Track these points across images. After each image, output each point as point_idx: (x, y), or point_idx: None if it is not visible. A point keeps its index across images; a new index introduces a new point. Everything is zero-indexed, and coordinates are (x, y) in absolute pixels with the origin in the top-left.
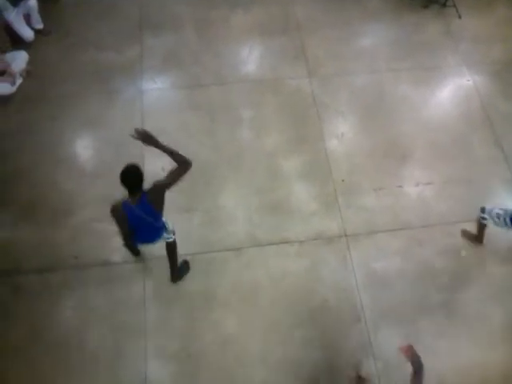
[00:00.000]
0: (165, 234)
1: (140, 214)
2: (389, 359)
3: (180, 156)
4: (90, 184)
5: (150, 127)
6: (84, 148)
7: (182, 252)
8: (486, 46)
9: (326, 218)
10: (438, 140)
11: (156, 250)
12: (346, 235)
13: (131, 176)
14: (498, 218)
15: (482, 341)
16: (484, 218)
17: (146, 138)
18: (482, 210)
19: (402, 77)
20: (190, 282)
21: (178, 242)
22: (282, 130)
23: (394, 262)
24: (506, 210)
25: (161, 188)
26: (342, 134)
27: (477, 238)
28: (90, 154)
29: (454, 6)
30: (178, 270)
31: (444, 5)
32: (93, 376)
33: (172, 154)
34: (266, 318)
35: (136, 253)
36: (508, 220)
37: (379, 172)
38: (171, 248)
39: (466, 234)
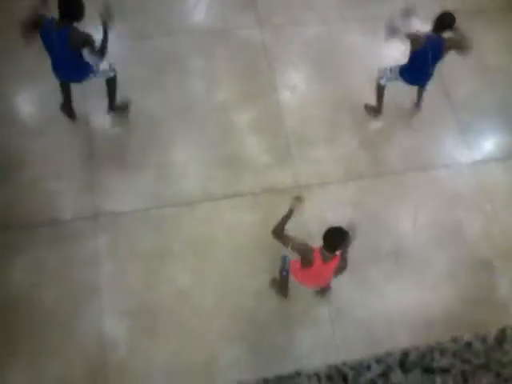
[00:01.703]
0: (94, 75)
1: (55, 40)
2: (341, 305)
3: (106, 47)
4: (34, 141)
5: (96, 84)
6: (24, 103)
7: (134, 207)
8: None
9: (278, 170)
10: (387, 90)
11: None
12: (298, 186)
13: (63, 4)
14: (391, 71)
15: (426, 284)
16: (380, 78)
17: (108, 17)
18: (379, 71)
19: (353, 27)
20: (144, 238)
21: (130, 197)
22: (232, 81)
23: (346, 211)
24: (396, 64)
25: (83, 39)
26: (294, 85)
27: (376, 107)
28: (30, 109)
29: None
30: (117, 104)
31: None
32: (48, 336)
33: (105, 39)
34: (221, 270)
35: (70, 112)
36: (397, 69)
37: (331, 124)
38: (110, 84)
39: (367, 107)
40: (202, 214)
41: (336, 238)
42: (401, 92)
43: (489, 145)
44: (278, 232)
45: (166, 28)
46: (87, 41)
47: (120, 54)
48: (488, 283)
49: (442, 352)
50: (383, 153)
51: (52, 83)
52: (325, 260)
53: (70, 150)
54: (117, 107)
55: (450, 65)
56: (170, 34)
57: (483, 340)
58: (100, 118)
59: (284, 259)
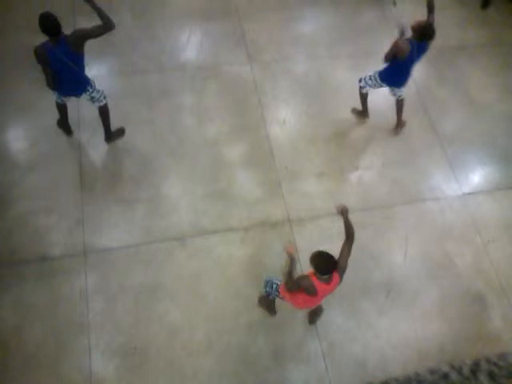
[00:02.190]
0: (91, 91)
1: (60, 55)
2: (334, 340)
3: (107, 17)
4: (25, 176)
5: (86, 116)
6: (17, 138)
7: (125, 243)
8: None
9: (269, 204)
10: (376, 125)
11: (99, 241)
12: (289, 220)
13: (47, 20)
14: (371, 79)
15: (418, 317)
16: (362, 87)
17: None
18: (359, 81)
19: (341, 63)
20: (134, 274)
21: (120, 232)
22: (223, 117)
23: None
24: (374, 71)
25: (81, 34)
26: (283, 120)
27: (363, 111)
28: (23, 144)
29: None
30: (112, 132)
31: None
32: (35, 375)
33: (100, 12)
34: (212, 306)
35: (67, 128)
36: (377, 76)
37: (321, 157)
38: (103, 112)
39: (354, 111)
40: (192, 248)
41: (327, 262)
42: (389, 127)
43: (477, 178)
44: (292, 287)
45: (158, 65)
46: (86, 33)
47: (113, 89)
48: (480, 315)
49: (420, 383)
50: (373, 186)
51: (44, 118)
52: (327, 282)
53: (61, 185)
54: (112, 135)
55: (435, 98)
56: (162, 71)
57: (459, 371)
58: (91, 153)
59: (270, 284)
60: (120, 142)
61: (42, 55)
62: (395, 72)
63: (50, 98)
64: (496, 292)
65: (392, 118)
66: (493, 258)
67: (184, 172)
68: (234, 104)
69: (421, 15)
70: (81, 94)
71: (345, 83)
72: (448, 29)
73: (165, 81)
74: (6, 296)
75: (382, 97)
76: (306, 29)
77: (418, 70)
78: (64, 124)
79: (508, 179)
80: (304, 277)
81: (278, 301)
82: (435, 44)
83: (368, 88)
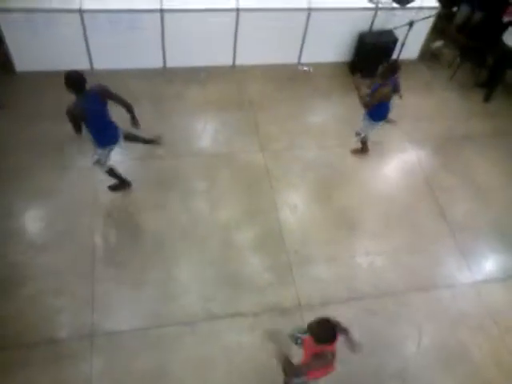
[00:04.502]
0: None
1: (92, 105)
2: None
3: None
4: (38, 256)
5: (103, 201)
6: (34, 220)
7: (133, 326)
8: (427, 123)
9: (280, 289)
10: (386, 211)
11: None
12: (300, 306)
13: (73, 79)
14: (367, 126)
15: None
16: (363, 137)
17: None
18: (358, 134)
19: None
20: (141, 358)
21: (129, 315)
22: (235, 202)
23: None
24: (364, 121)
25: (106, 90)
26: (294, 205)
27: (363, 149)
28: (40, 225)
29: None
30: (117, 185)
31: None
32: None
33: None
34: None
35: (126, 183)
36: (372, 121)
37: (331, 242)
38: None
39: (354, 151)
40: (201, 334)
41: (329, 331)
42: (399, 213)
43: (489, 265)
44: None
45: (174, 151)
46: (110, 93)
47: (129, 173)
48: None
49: None
50: (384, 272)
51: (63, 204)
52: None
53: (73, 265)
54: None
55: (443, 186)
56: (177, 157)
57: None
58: (104, 233)
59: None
60: (133, 225)
61: (77, 109)
62: (382, 108)
63: (69, 184)
64: None
65: (400, 202)
66: (510, 347)
67: (195, 255)
68: (246, 189)
69: (425, 107)
70: (119, 139)
71: (354, 171)
72: (453, 121)
73: (180, 166)
74: (11, 381)
75: (391, 182)
76: (316, 119)
77: (425, 158)
78: (122, 182)
79: None
80: (326, 357)
81: None
82: (442, 134)
83: (369, 133)
